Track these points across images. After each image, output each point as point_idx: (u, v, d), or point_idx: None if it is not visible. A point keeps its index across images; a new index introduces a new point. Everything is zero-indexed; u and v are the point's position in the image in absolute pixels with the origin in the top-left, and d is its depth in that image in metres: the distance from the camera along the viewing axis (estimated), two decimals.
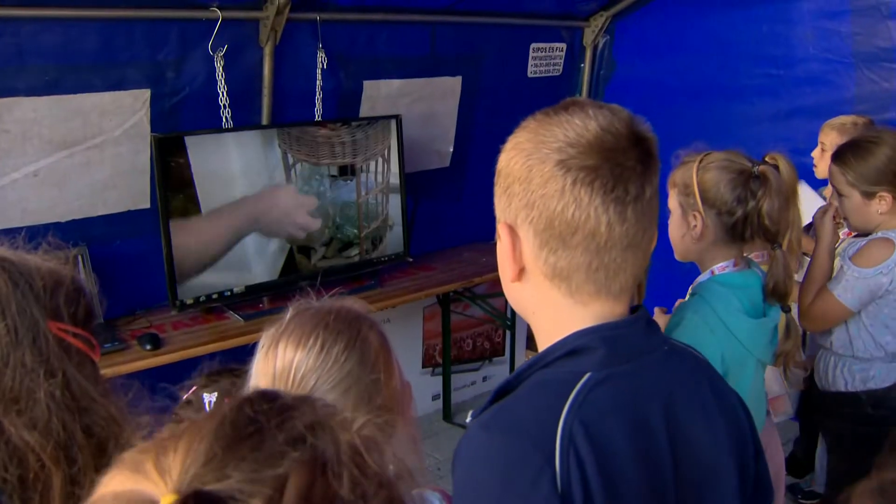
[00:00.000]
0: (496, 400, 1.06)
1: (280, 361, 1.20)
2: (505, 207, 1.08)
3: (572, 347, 1.05)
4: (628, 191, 1.02)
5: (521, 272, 1.09)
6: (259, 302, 3.45)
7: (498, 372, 4.96)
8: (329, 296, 1.32)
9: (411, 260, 3.98)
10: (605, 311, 1.08)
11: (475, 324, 4.81)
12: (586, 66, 4.73)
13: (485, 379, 4.93)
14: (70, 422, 0.87)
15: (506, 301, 4.75)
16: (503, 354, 5.01)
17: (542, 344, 1.11)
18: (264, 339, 1.25)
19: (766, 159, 2.01)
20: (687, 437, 1.08)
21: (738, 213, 1.95)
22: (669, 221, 2.06)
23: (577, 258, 1.04)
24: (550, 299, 1.08)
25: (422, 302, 4.36)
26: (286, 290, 3.48)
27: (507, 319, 4.74)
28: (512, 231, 1.08)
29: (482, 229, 4.28)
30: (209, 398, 1.52)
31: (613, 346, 1.05)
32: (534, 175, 1.04)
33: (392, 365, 1.25)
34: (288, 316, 1.26)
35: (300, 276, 3.55)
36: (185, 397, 1.57)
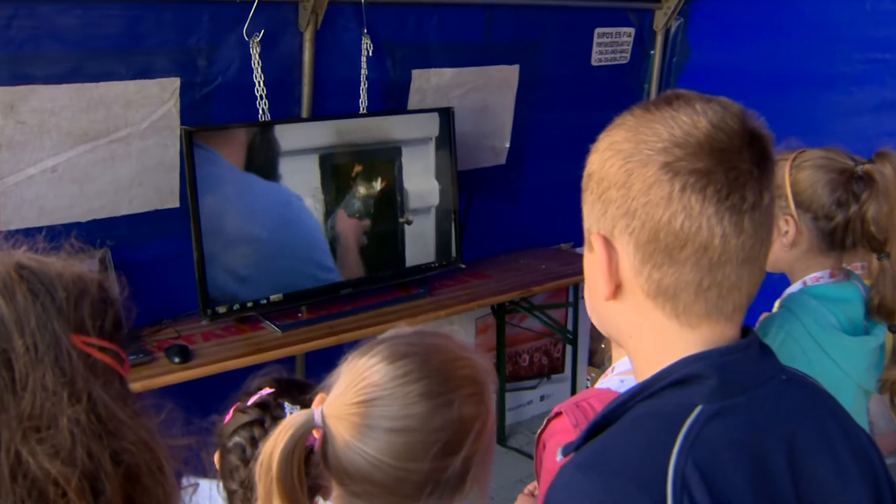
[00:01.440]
0: (592, 435, 1.02)
1: (363, 360, 1.22)
2: (599, 216, 1.04)
3: (680, 376, 1.00)
4: (745, 198, 0.98)
5: (617, 289, 1.04)
6: (297, 311, 3.41)
7: (557, 391, 4.91)
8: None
9: (464, 266, 3.93)
10: (716, 334, 1.02)
11: (533, 337, 4.78)
12: (657, 53, 4.65)
13: (542, 398, 4.90)
14: (97, 448, 0.84)
15: (567, 312, 4.73)
16: (563, 371, 4.97)
17: (641, 372, 1.07)
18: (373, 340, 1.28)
19: (875, 158, 1.88)
20: (813, 481, 1.02)
21: (837, 218, 1.86)
22: None
23: (686, 275, 0.99)
24: (652, 321, 1.03)
25: (474, 312, 4.33)
26: (327, 299, 3.46)
27: (569, 333, 4.67)
28: (607, 243, 1.03)
29: (541, 233, 4.32)
30: (291, 409, 1.54)
31: (726, 374, 1.00)
32: (634, 180, 0.99)
33: (459, 444, 1.18)
34: (409, 329, 1.29)
35: (342, 283, 3.50)
36: (252, 400, 1.59)
